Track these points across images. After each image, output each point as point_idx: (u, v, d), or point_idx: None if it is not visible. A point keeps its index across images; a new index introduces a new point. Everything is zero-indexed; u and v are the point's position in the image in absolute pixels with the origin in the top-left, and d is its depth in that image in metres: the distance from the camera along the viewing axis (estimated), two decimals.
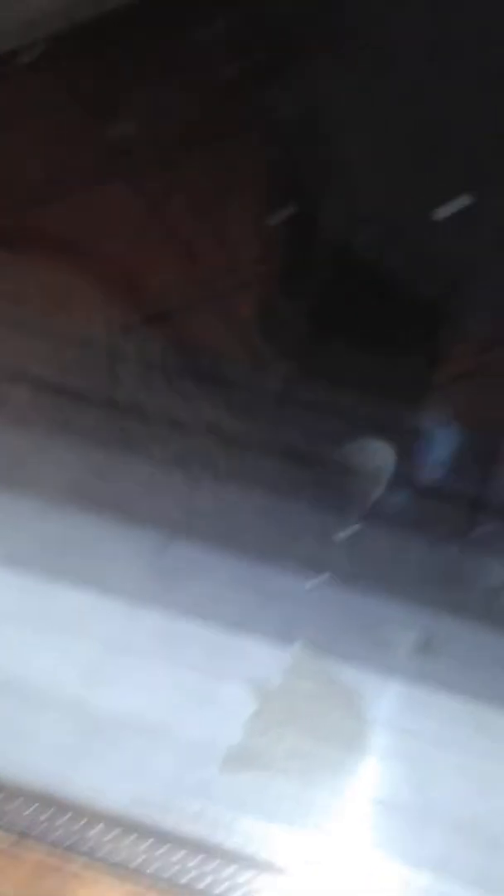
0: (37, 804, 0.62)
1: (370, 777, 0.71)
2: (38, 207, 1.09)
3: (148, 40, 1.14)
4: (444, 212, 0.82)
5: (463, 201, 0.81)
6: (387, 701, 0.76)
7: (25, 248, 1.04)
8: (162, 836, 0.63)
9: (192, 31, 1.04)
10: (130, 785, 0.65)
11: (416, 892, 0.63)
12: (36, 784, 0.63)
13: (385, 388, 0.89)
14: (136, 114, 1.12)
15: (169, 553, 0.80)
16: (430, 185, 0.83)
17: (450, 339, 0.94)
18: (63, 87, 1.16)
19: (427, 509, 0.82)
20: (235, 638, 0.77)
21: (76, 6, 1.18)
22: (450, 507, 0.82)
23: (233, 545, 0.79)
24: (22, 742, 0.65)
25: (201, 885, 0.61)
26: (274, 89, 0.95)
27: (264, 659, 0.77)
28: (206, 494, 0.82)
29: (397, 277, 0.88)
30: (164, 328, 1.00)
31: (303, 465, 0.84)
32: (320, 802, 0.69)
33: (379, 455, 0.83)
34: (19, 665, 0.72)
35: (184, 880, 0.62)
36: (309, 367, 0.94)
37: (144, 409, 0.90)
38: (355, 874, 0.63)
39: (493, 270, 0.87)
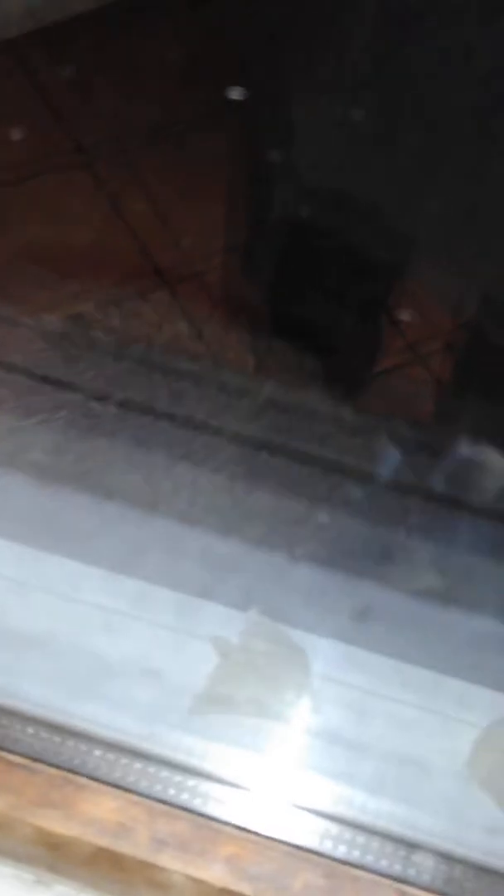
0: (46, 731, 0.75)
1: (314, 719, 0.85)
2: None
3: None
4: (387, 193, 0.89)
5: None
6: (328, 658, 0.89)
7: None
8: (148, 759, 0.76)
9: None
10: (121, 717, 0.78)
11: (354, 807, 0.77)
12: (46, 714, 0.75)
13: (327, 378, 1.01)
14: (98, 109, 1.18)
15: (145, 529, 0.93)
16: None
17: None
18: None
19: (369, 495, 0.96)
20: (201, 604, 0.90)
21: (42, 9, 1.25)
22: (387, 494, 0.95)
23: (199, 523, 0.92)
24: (35, 680, 0.78)
25: (180, 799, 0.75)
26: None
27: (225, 622, 0.90)
28: (178, 477, 0.95)
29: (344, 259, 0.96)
30: (120, 315, 1.10)
31: (264, 452, 0.96)
32: (273, 736, 0.83)
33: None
34: (23, 620, 0.84)
35: (166, 796, 0.75)
36: (267, 359, 1.05)
37: (109, 393, 1.02)
38: (302, 792, 0.76)
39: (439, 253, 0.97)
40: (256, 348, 1.09)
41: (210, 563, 0.90)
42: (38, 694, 0.75)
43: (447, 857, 0.70)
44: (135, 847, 0.69)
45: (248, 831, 0.70)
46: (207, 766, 0.75)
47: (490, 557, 0.91)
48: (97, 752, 0.74)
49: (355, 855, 0.70)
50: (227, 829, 0.70)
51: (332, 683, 0.86)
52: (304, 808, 0.73)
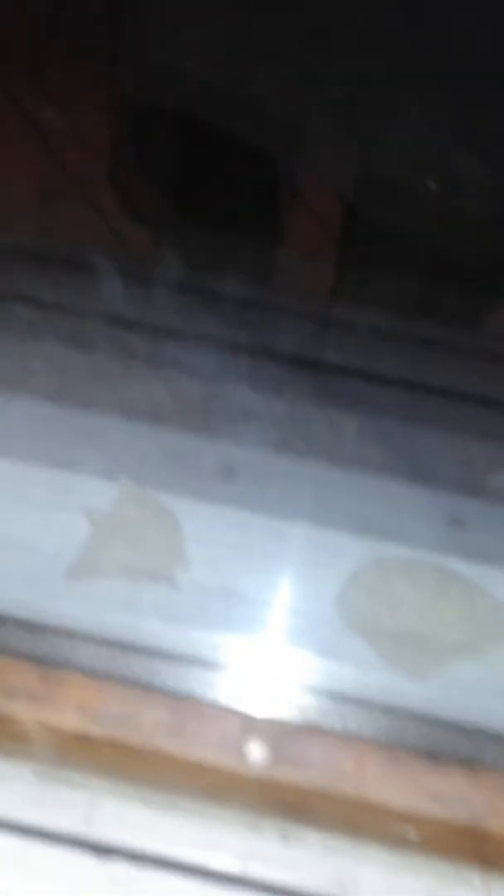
0: None
1: (185, 576, 0.88)
2: None
3: None
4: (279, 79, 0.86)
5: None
6: (197, 519, 0.92)
7: None
8: (29, 627, 0.79)
9: None
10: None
11: (206, 646, 0.80)
12: None
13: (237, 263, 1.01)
14: None
15: (9, 409, 0.95)
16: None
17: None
18: None
19: (233, 360, 0.97)
20: (70, 477, 0.93)
21: None
22: (252, 358, 0.97)
23: (62, 399, 0.94)
24: None
25: (31, 653, 0.77)
26: None
27: (97, 493, 0.93)
28: (42, 356, 0.97)
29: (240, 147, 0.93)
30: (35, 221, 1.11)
31: (117, 327, 0.98)
32: (145, 594, 0.86)
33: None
34: None
35: (18, 651, 0.78)
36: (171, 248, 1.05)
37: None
38: (157, 638, 0.79)
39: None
40: (159, 239, 1.10)
41: (76, 437, 0.92)
42: None
43: (300, 687, 0.73)
44: None
45: (95, 676, 0.73)
46: (80, 628, 0.78)
47: (344, 409, 0.92)
48: None
49: (195, 689, 0.73)
50: (75, 676, 0.73)
51: (203, 542, 0.88)
52: (152, 652, 0.75)
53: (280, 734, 0.71)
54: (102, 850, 0.79)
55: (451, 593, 0.87)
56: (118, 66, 1.04)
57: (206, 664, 0.75)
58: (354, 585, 0.87)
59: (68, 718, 0.71)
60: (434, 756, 0.71)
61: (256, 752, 0.70)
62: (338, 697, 0.74)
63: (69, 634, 0.76)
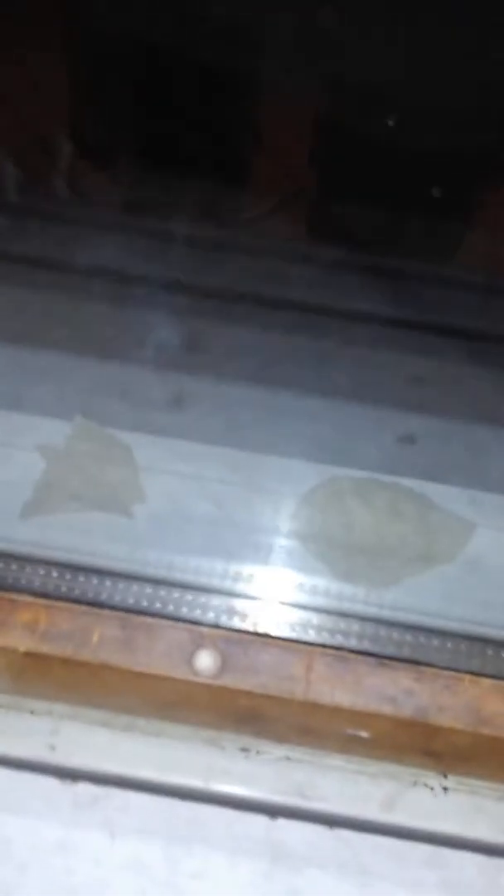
0: None
1: (140, 507, 0.89)
2: None
3: None
4: None
5: None
6: (151, 451, 0.93)
7: None
8: None
9: None
10: None
11: (162, 567, 0.81)
12: None
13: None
14: None
15: None
16: None
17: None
18: None
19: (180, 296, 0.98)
20: (21, 417, 0.94)
21: None
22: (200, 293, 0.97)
23: (15, 340, 0.95)
24: None
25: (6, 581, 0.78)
26: None
27: (50, 431, 0.94)
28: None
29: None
30: None
31: (54, 271, 0.98)
32: (99, 527, 0.87)
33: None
34: None
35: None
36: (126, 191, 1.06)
37: None
38: (110, 559, 0.80)
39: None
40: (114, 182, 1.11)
41: (28, 376, 0.93)
42: None
43: (248, 598, 0.74)
44: None
45: (46, 597, 0.74)
46: (18, 549, 0.79)
47: (290, 335, 0.93)
48: None
49: (144, 604, 0.74)
50: (25, 598, 0.74)
51: (157, 473, 0.89)
52: (103, 572, 0.77)
53: (229, 643, 0.72)
54: (66, 775, 0.80)
55: (402, 509, 0.88)
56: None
57: (157, 581, 0.76)
58: (307, 505, 0.88)
59: (19, 638, 0.72)
60: (381, 657, 0.72)
61: (206, 661, 0.72)
62: (286, 605, 0.75)
63: (20, 559, 0.77)
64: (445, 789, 0.79)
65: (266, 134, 1.13)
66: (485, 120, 0.93)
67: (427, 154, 0.95)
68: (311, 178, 1.08)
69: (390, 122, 0.97)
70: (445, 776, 0.79)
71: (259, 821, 0.78)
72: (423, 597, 0.80)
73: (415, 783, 0.79)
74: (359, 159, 1.01)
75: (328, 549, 0.83)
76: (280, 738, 0.78)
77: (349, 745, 0.76)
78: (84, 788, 0.79)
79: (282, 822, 0.78)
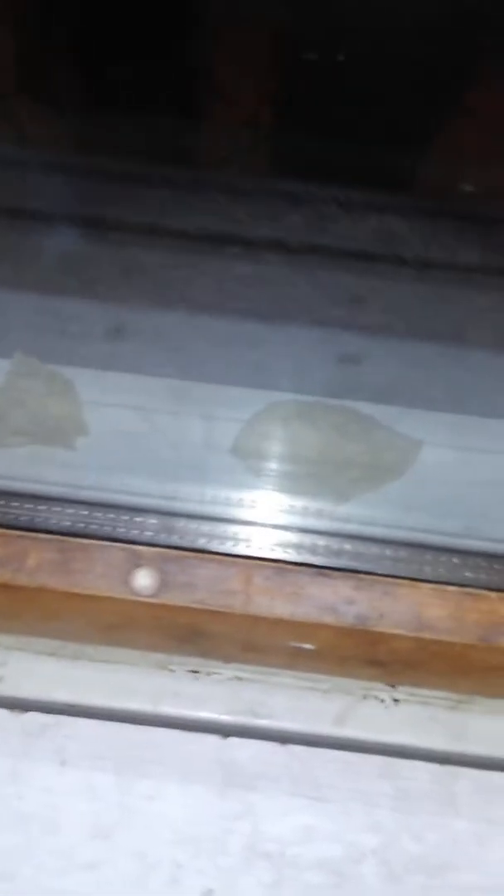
0: None
1: (84, 440, 0.88)
2: None
3: None
4: None
5: None
6: (93, 384, 0.92)
7: None
8: None
9: None
10: None
11: (96, 489, 0.80)
12: None
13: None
14: None
15: None
16: None
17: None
18: None
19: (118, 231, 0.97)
20: None
21: None
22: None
23: None
24: None
25: None
26: None
27: None
28: None
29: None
30: None
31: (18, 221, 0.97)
32: (40, 459, 0.86)
33: None
34: None
35: None
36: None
37: None
38: (44, 484, 0.80)
39: None
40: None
41: None
42: None
43: (185, 516, 0.74)
44: None
45: None
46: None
47: (225, 261, 0.92)
48: None
49: (81, 527, 0.73)
50: None
51: (100, 406, 0.88)
52: (40, 497, 0.76)
53: (167, 561, 0.72)
54: (15, 705, 0.80)
55: (348, 429, 0.88)
56: None
57: (94, 504, 0.75)
58: (249, 428, 0.87)
59: None
60: (320, 568, 0.71)
61: (144, 579, 0.71)
62: (223, 521, 0.75)
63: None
64: (396, 701, 0.78)
65: (220, 68, 1.10)
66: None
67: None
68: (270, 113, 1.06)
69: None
70: (394, 687, 0.78)
71: (211, 741, 0.78)
72: (366, 510, 0.80)
73: (365, 696, 0.79)
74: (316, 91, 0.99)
75: (269, 467, 0.83)
76: (228, 657, 0.78)
77: (297, 661, 0.76)
78: (33, 718, 0.78)
79: (234, 741, 0.78)
